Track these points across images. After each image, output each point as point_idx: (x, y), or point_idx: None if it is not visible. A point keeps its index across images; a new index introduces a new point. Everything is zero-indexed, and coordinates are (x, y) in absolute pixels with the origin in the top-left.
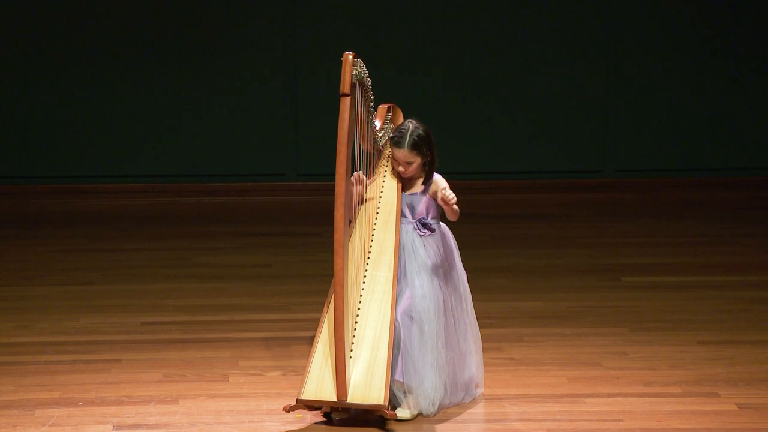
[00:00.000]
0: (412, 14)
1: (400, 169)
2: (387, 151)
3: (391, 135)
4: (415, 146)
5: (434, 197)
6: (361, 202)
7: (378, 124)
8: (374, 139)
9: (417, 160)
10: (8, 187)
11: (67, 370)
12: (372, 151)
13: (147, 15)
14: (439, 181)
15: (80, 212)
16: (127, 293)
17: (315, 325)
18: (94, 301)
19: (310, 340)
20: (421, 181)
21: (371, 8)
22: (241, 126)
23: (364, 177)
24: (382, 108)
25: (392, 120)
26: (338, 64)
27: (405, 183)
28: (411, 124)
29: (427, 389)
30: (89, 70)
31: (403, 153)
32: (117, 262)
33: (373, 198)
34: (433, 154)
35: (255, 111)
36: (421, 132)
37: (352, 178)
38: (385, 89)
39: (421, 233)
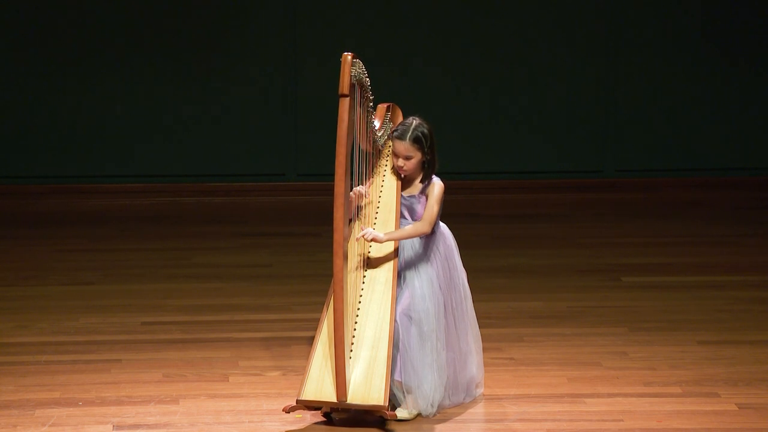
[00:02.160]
0: (412, 14)
1: (399, 163)
2: (386, 151)
3: (393, 129)
4: (416, 140)
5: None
6: (360, 212)
7: (377, 123)
8: (373, 139)
9: (417, 156)
10: (8, 187)
11: (67, 370)
12: (371, 150)
13: (147, 15)
14: (435, 185)
15: (80, 212)
16: (127, 293)
17: (315, 325)
18: (94, 301)
19: (310, 340)
20: (419, 180)
21: (371, 8)
22: (241, 126)
23: (364, 190)
24: (381, 107)
25: (391, 119)
26: (338, 64)
27: (404, 184)
28: (415, 120)
29: (426, 390)
30: (89, 70)
31: (404, 146)
32: (117, 262)
33: (372, 198)
34: (433, 153)
35: (255, 111)
36: (424, 129)
37: (351, 193)
38: (384, 89)
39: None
